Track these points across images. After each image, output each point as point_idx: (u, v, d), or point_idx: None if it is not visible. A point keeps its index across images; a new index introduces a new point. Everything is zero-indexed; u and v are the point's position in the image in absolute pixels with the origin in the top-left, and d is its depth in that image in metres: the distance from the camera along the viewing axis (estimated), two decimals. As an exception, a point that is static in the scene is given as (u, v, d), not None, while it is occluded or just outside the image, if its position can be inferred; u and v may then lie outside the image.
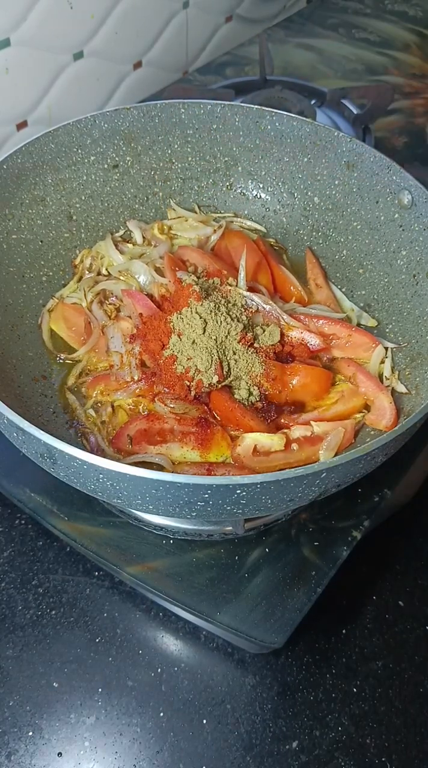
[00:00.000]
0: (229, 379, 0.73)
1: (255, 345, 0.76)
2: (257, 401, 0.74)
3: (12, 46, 1.12)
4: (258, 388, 0.74)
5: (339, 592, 0.77)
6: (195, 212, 0.97)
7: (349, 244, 0.90)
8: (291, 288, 0.89)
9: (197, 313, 0.74)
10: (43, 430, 0.55)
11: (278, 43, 1.61)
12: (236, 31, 1.65)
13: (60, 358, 0.83)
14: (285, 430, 0.73)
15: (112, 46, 1.32)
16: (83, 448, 0.69)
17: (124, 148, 0.93)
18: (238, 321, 0.75)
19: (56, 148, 0.87)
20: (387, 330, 0.84)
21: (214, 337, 0.73)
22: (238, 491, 0.53)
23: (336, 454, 0.71)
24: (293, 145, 0.92)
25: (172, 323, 0.75)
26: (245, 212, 0.98)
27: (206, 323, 0.73)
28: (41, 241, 0.87)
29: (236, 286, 0.81)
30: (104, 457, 0.54)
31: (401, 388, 0.77)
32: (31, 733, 0.69)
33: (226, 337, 0.74)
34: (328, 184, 0.91)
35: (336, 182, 0.90)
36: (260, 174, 0.96)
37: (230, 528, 0.76)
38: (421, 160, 1.30)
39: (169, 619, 0.77)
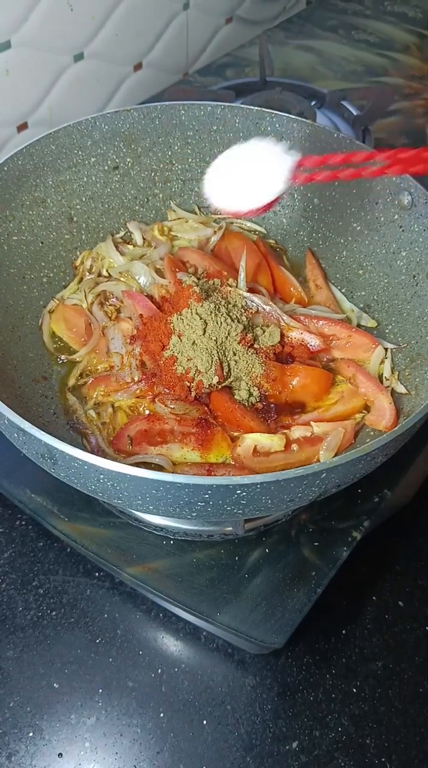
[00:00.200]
0: (229, 380, 0.74)
1: (255, 346, 0.76)
2: (257, 402, 0.74)
3: (12, 47, 1.12)
4: (258, 389, 0.74)
5: (339, 593, 0.77)
6: (195, 213, 0.98)
7: (349, 245, 0.90)
8: (291, 289, 0.89)
9: (197, 314, 0.74)
10: (43, 430, 0.55)
11: (278, 44, 1.61)
12: (236, 33, 1.65)
13: (61, 359, 0.83)
14: (285, 431, 0.73)
15: (112, 48, 1.32)
16: (84, 448, 0.69)
17: (124, 150, 0.93)
18: (238, 322, 0.75)
19: (57, 149, 0.87)
20: (387, 331, 0.84)
21: (214, 338, 0.73)
22: (238, 491, 0.53)
23: (336, 455, 0.71)
24: (293, 146, 0.92)
25: (172, 324, 0.76)
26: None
27: (207, 324, 0.73)
28: (42, 243, 0.87)
29: (236, 287, 0.81)
30: (105, 457, 0.54)
31: (401, 388, 0.77)
32: (31, 734, 0.69)
33: (226, 337, 0.74)
34: (328, 186, 0.91)
35: (336, 183, 0.90)
36: (260, 175, 0.96)
37: (231, 528, 0.76)
38: (421, 162, 1.30)
39: (169, 619, 0.77)
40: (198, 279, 0.82)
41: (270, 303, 0.81)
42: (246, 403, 0.74)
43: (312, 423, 0.74)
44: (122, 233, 0.95)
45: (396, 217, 0.83)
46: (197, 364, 0.72)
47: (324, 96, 1.31)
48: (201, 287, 0.78)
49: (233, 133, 0.94)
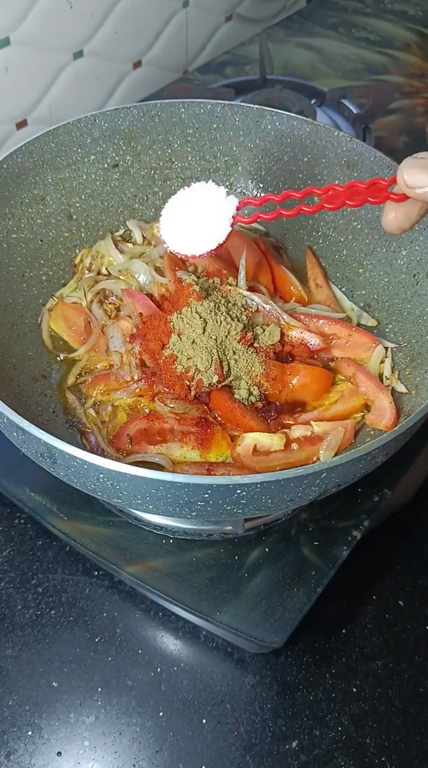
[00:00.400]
0: (229, 379, 0.73)
1: (255, 345, 0.76)
2: (257, 401, 0.74)
3: (12, 45, 1.12)
4: (258, 388, 0.74)
5: (339, 592, 0.77)
6: (195, 212, 0.97)
7: (349, 243, 0.90)
8: (291, 288, 0.89)
9: (197, 312, 0.74)
10: (43, 429, 0.55)
11: (278, 42, 1.61)
12: (236, 31, 1.65)
13: (60, 358, 0.83)
14: (285, 430, 0.73)
15: (112, 46, 1.31)
16: (83, 447, 0.69)
17: (124, 148, 0.93)
18: (238, 321, 0.75)
19: (56, 147, 0.87)
20: (387, 330, 0.84)
21: (214, 337, 0.73)
22: (238, 491, 0.53)
23: (336, 454, 0.71)
24: (293, 144, 0.92)
25: (172, 323, 0.75)
26: (245, 212, 0.98)
27: (206, 323, 0.73)
28: (41, 241, 0.87)
29: (236, 285, 0.81)
30: (104, 456, 0.54)
31: (401, 388, 0.77)
32: (30, 733, 0.69)
33: (226, 336, 0.73)
34: (328, 184, 0.91)
35: (336, 182, 0.90)
36: (260, 174, 0.96)
37: (230, 528, 0.76)
38: (421, 160, 1.30)
39: (168, 618, 0.77)
40: (198, 277, 0.82)
41: (270, 302, 0.81)
42: (246, 402, 0.74)
43: (312, 422, 0.74)
44: (121, 231, 0.95)
45: (396, 215, 0.83)
46: (196, 363, 0.72)
47: (324, 94, 1.31)
48: (201, 286, 0.78)
49: (233, 131, 0.94)
